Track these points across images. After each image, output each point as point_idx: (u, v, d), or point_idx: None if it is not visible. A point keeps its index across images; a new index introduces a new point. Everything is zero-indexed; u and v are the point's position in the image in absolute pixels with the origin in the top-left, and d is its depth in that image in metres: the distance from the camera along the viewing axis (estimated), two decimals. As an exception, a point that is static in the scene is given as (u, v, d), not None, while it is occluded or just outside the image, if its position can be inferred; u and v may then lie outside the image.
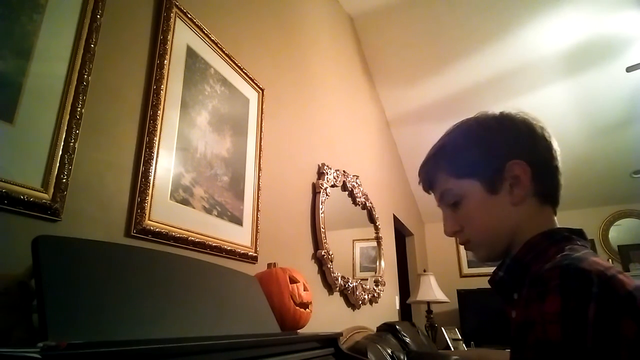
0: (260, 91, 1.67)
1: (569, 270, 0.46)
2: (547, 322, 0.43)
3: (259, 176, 1.56)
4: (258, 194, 1.54)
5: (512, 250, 0.62)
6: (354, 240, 2.60)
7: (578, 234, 0.58)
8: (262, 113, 1.65)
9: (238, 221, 1.40)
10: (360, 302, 2.41)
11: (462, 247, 4.99)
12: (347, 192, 2.54)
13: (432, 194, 0.72)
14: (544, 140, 0.64)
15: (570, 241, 0.56)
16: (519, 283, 0.56)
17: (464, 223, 0.67)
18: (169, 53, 1.18)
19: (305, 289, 1.28)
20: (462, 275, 4.98)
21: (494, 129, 0.66)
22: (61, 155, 0.84)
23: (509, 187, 0.62)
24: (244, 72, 1.56)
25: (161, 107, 1.12)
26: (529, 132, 0.64)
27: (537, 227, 0.60)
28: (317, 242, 2.02)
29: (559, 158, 0.65)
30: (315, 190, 2.10)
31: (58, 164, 0.83)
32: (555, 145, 0.65)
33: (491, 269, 0.63)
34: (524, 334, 0.46)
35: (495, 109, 0.68)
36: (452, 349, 3.50)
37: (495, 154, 0.64)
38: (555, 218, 0.64)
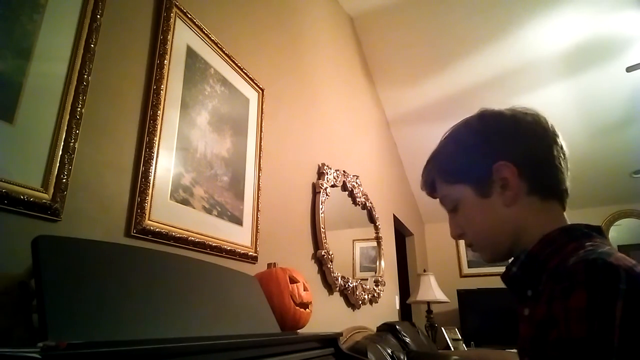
0: (260, 91, 1.67)
1: (597, 264, 0.44)
2: (572, 319, 0.42)
3: (259, 176, 1.56)
4: (258, 194, 1.54)
5: (515, 249, 0.61)
6: (354, 240, 2.60)
7: (597, 231, 0.56)
8: (262, 113, 1.65)
9: (238, 221, 1.40)
10: (360, 302, 2.41)
11: (462, 247, 5.00)
12: (347, 192, 2.54)
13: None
14: (533, 134, 0.62)
15: (590, 238, 0.54)
16: (534, 280, 0.54)
17: (464, 227, 0.67)
18: (169, 53, 1.18)
19: (305, 289, 1.28)
20: (462, 275, 4.98)
21: (478, 132, 0.65)
22: (61, 155, 0.83)
23: (499, 189, 0.61)
24: (244, 72, 1.56)
25: (161, 107, 1.11)
26: (515, 130, 0.62)
27: (543, 224, 0.58)
28: (317, 242, 2.02)
29: (558, 150, 0.61)
30: (315, 190, 2.10)
31: (58, 164, 0.83)
32: (553, 138, 0.62)
33: (492, 269, 0.62)
34: (546, 332, 0.44)
35: (496, 108, 0.67)
36: (452, 349, 3.50)
37: (481, 158, 0.63)
38: (565, 213, 0.62)
